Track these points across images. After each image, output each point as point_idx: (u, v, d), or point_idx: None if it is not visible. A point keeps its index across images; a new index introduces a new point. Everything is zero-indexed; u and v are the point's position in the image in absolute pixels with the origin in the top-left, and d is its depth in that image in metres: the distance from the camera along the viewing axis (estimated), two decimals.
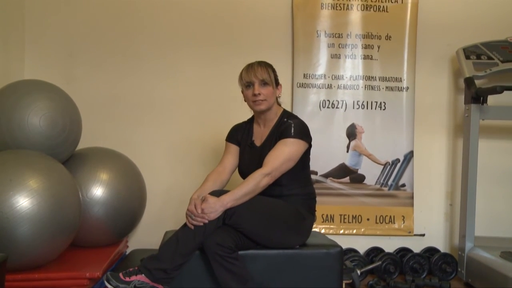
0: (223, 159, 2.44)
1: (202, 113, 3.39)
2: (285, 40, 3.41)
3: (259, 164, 2.20)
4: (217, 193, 2.13)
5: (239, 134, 2.44)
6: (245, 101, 2.36)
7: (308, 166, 2.38)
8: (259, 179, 2.13)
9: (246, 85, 2.29)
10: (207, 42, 3.39)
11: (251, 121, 2.47)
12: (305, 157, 2.31)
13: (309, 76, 3.39)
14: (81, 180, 2.65)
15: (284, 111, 2.39)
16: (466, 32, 3.42)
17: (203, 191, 2.23)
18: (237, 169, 2.44)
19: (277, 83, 2.35)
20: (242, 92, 2.35)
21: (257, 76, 2.26)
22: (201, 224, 2.06)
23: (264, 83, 2.27)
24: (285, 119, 2.31)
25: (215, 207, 2.07)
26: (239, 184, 2.14)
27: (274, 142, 2.26)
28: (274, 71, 2.35)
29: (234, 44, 3.38)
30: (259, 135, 2.39)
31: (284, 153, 2.19)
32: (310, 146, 2.31)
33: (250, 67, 2.30)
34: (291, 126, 2.24)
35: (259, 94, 2.25)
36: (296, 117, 2.34)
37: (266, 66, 2.32)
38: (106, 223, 2.72)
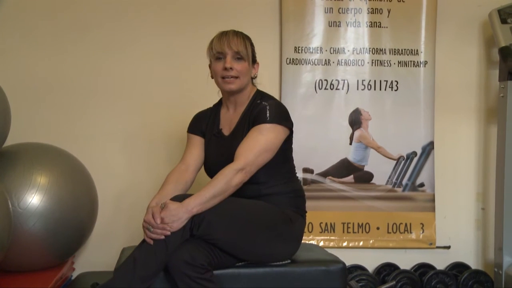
0: (185, 155, 2.47)
1: (168, 97, 3.38)
2: (271, 4, 3.41)
3: (229, 158, 2.21)
4: (180, 198, 2.12)
5: (203, 123, 2.47)
6: (212, 77, 2.38)
7: (291, 158, 2.40)
8: (230, 176, 2.13)
9: (216, 56, 2.31)
10: (173, 6, 3.38)
11: (217, 106, 2.50)
12: (286, 146, 2.33)
13: (302, 49, 3.39)
14: (10, 186, 2.62)
15: (258, 91, 2.42)
16: None
17: (163, 197, 2.24)
18: (203, 167, 2.45)
19: (254, 60, 2.39)
20: (210, 65, 2.38)
21: (231, 47, 2.29)
22: (162, 237, 2.05)
23: (238, 56, 2.30)
24: (259, 101, 2.33)
25: (178, 214, 2.06)
26: (206, 184, 2.14)
27: (247, 129, 2.28)
28: (252, 45, 2.39)
29: (207, 9, 3.38)
30: (228, 121, 2.41)
31: (260, 143, 2.21)
32: (291, 132, 2.33)
33: (223, 35, 2.32)
34: (265, 109, 2.25)
35: (231, 68, 2.28)
36: (271, 98, 2.37)
37: (243, 37, 2.35)
38: (46, 240, 2.70)
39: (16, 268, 2.73)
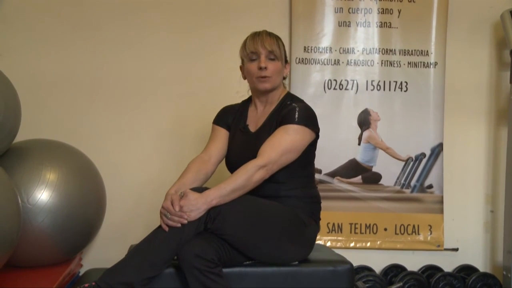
0: (209, 145, 2.48)
1: (176, 95, 3.40)
2: (281, 4, 3.42)
3: (252, 154, 2.23)
4: (199, 190, 2.15)
5: (230, 117, 2.50)
6: (244, 78, 2.42)
7: (313, 164, 2.43)
8: (252, 172, 2.16)
9: (250, 57, 2.35)
10: (183, 4, 3.39)
11: (246, 103, 2.52)
12: (310, 151, 2.35)
13: (311, 49, 3.40)
14: (20, 182, 2.63)
15: (288, 93, 2.46)
16: None
17: (182, 185, 2.27)
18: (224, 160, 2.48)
19: (285, 61, 2.42)
20: (241, 67, 2.42)
21: (265, 46, 2.32)
22: (179, 224, 2.07)
23: (272, 57, 2.33)
24: (288, 102, 2.36)
25: (197, 204, 2.08)
26: (227, 177, 2.17)
27: (274, 128, 2.31)
28: (284, 46, 2.42)
29: (217, 8, 3.39)
30: (255, 119, 2.44)
31: (285, 142, 2.23)
32: (317, 137, 2.35)
33: (257, 35, 2.36)
34: (295, 110, 2.28)
35: (266, 68, 2.30)
36: (302, 101, 2.40)
37: (276, 37, 2.39)
38: (54, 236, 2.70)
39: (24, 263, 2.74)
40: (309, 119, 2.29)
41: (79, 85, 3.35)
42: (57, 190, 2.69)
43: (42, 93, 3.31)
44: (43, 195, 2.66)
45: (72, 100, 3.35)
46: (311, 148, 2.35)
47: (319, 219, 2.40)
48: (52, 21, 3.34)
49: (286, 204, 2.27)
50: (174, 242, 2.07)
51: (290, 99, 2.39)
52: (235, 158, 2.38)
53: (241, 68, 2.43)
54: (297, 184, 2.33)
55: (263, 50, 2.32)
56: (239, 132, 2.44)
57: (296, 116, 2.26)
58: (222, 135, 2.48)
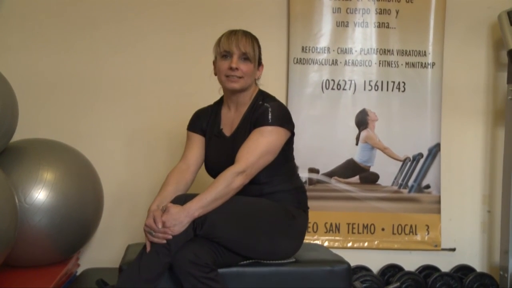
0: (185, 154, 2.45)
1: (173, 96, 3.39)
2: (279, 4, 3.42)
3: (230, 159, 2.21)
4: (182, 199, 2.12)
5: (204, 121, 2.45)
6: (215, 74, 2.38)
7: (292, 158, 2.40)
8: (230, 179, 2.13)
9: (223, 54, 2.30)
10: (180, 4, 3.39)
11: (218, 104, 2.48)
12: (287, 148, 2.33)
13: (309, 49, 3.40)
14: (17, 181, 2.63)
15: (260, 91, 2.41)
16: None
17: (164, 199, 2.23)
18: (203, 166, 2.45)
19: (259, 63, 2.38)
20: (214, 62, 2.37)
21: (239, 47, 2.28)
22: (164, 241, 2.05)
23: (245, 57, 2.30)
24: (261, 102, 2.32)
25: (179, 218, 2.05)
26: (208, 187, 2.14)
27: (249, 131, 2.28)
28: (259, 47, 2.38)
29: (214, 8, 3.39)
30: (229, 121, 2.40)
31: (261, 145, 2.21)
32: (292, 134, 2.33)
33: (232, 34, 2.32)
34: (267, 111, 2.25)
35: (237, 69, 2.27)
36: (274, 99, 2.36)
37: (252, 38, 2.34)
38: (51, 236, 2.71)
39: (21, 263, 2.74)
40: (283, 118, 2.27)
41: (77, 84, 3.35)
42: (54, 189, 2.70)
43: (40, 92, 3.31)
44: (40, 195, 2.66)
45: (70, 100, 3.35)
46: (288, 144, 2.32)
47: (307, 208, 2.39)
48: (50, 21, 3.33)
49: (272, 199, 2.26)
50: (164, 256, 2.05)
51: (262, 98, 2.35)
52: (214, 164, 2.35)
53: (214, 63, 2.38)
54: (280, 180, 2.31)
55: (236, 51, 2.28)
56: (215, 137, 2.40)
57: (270, 117, 2.23)
58: (198, 141, 2.44)
